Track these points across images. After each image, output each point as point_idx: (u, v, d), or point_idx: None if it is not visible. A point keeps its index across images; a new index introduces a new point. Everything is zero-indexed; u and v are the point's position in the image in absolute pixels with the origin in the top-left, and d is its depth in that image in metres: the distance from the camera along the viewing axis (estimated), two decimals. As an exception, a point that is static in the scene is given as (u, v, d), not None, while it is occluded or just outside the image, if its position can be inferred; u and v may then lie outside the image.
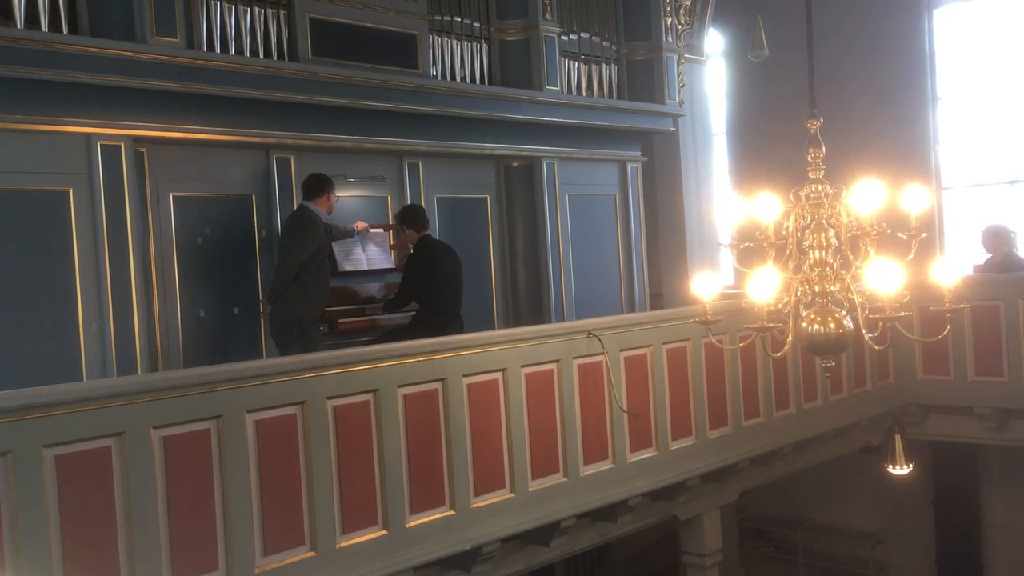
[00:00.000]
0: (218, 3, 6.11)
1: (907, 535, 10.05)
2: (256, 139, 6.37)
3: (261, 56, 6.30)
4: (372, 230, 7.08)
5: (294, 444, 4.22)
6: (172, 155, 6.06)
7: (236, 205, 6.42)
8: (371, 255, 7.02)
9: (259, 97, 6.17)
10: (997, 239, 7.94)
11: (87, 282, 5.48)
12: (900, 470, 7.49)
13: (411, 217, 6.70)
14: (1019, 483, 9.26)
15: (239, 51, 6.20)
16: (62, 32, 5.40)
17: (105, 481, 3.64)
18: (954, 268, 3.78)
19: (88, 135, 5.52)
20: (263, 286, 6.45)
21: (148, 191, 5.95)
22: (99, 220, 5.53)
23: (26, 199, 5.32)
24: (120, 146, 5.65)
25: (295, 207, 6.43)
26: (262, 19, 6.34)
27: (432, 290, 6.54)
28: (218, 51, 6.07)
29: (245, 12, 6.25)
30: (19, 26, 5.20)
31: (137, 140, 5.78)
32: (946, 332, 4.03)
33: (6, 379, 4.87)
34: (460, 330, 6.50)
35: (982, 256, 8.12)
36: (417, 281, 6.56)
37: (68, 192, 5.46)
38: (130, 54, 5.54)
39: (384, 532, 4.49)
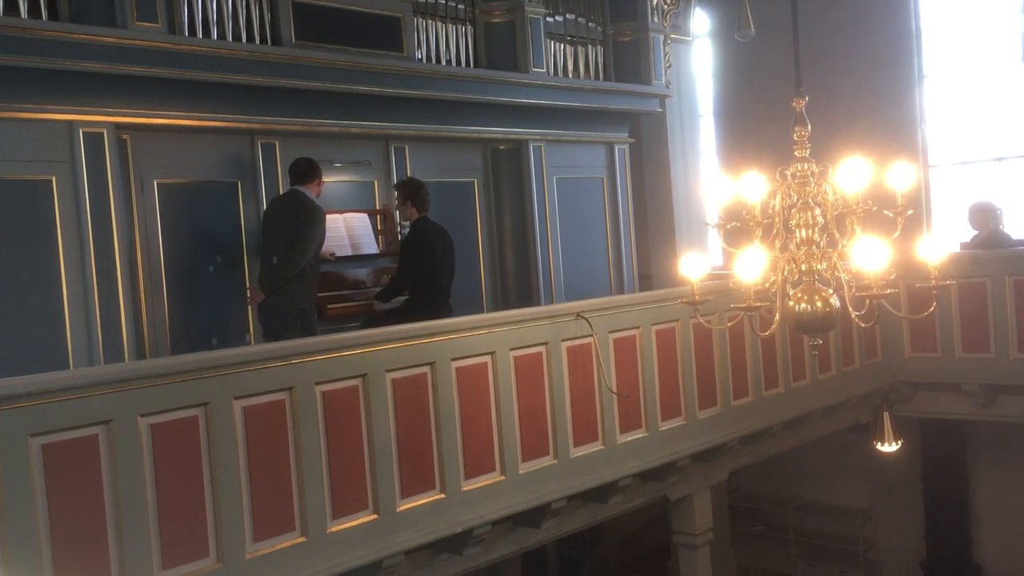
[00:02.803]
0: (199, -13, 6.06)
1: (896, 512, 10.14)
2: (241, 125, 6.33)
3: (244, 41, 6.25)
4: (357, 214, 7.05)
5: (283, 430, 4.21)
6: (156, 142, 6.02)
7: (221, 191, 6.38)
8: (356, 240, 6.98)
9: (243, 82, 6.13)
10: (984, 216, 7.96)
11: (72, 270, 5.44)
12: (889, 447, 7.53)
13: (416, 194, 6.56)
14: (1007, 459, 9.33)
15: (222, 36, 6.15)
16: (42, 19, 5.35)
17: (93, 470, 3.63)
18: (940, 245, 3.79)
19: (70, 122, 5.48)
20: (250, 273, 6.41)
21: (132, 178, 5.91)
22: (83, 208, 5.49)
23: (8, 188, 5.28)
24: (103, 133, 5.61)
25: (282, 192, 6.39)
26: (244, 3, 6.29)
27: (429, 276, 6.47)
28: (200, 36, 6.02)
29: (227, -4, 6.19)
30: (-2, 13, 5.15)
31: (120, 127, 5.74)
32: (932, 309, 4.04)
33: (-8, 369, 4.84)
34: (449, 315, 6.48)
35: (969, 233, 8.14)
36: (414, 266, 6.48)
37: (51, 180, 5.42)
38: (111, 40, 5.49)
39: (375, 516, 4.50)
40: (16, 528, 3.41)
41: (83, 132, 5.52)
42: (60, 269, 5.41)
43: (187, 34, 5.96)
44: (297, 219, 6.01)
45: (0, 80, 5.15)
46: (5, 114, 5.24)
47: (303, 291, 6.01)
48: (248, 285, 6.35)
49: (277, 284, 5.94)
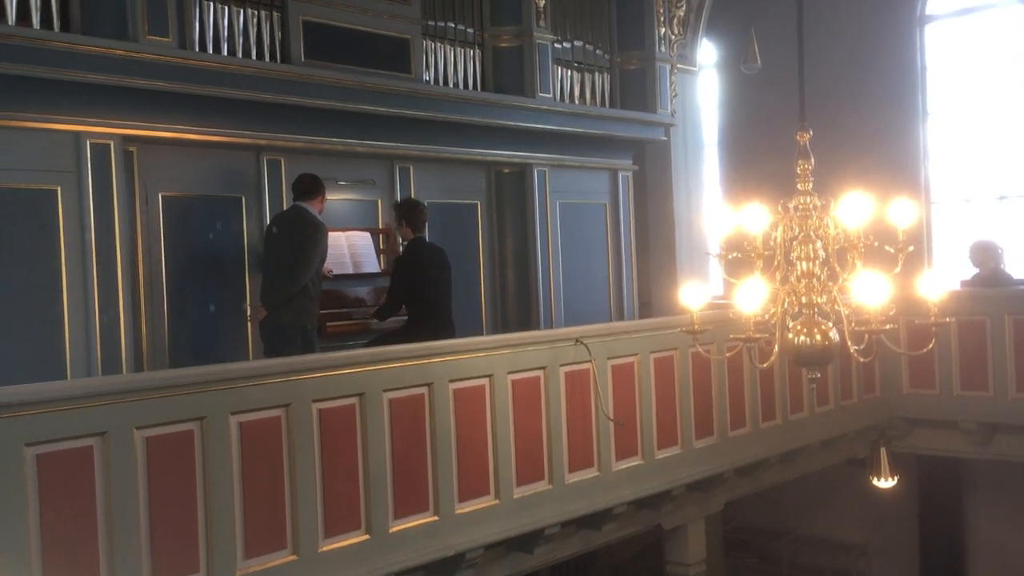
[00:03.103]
0: (211, 3, 6.11)
1: (892, 548, 10.07)
2: (247, 140, 6.36)
3: (253, 57, 6.29)
4: (358, 233, 7.07)
5: (278, 447, 4.20)
6: (162, 154, 6.04)
7: (225, 206, 6.40)
8: (357, 258, 6.99)
9: (251, 98, 6.16)
10: (984, 254, 7.97)
11: (73, 280, 5.45)
12: (885, 483, 7.50)
13: (412, 214, 6.60)
14: (1003, 498, 9.29)
15: (231, 52, 6.19)
16: (54, 30, 5.39)
17: (87, 481, 3.62)
18: (940, 282, 3.80)
19: (77, 133, 5.50)
20: (251, 288, 6.41)
21: (137, 190, 5.92)
22: (87, 219, 5.51)
23: (14, 196, 5.30)
24: (110, 145, 5.63)
25: (285, 208, 6.39)
26: (255, 20, 6.34)
27: (420, 297, 6.49)
28: (210, 51, 6.06)
29: (238, 13, 6.24)
30: (10, 23, 5.18)
31: (127, 139, 5.76)
32: (931, 346, 4.04)
33: (-11, 377, 4.84)
34: (452, 335, 6.49)
35: (970, 271, 8.15)
36: (404, 287, 6.50)
37: (56, 190, 5.43)
38: (122, 53, 5.52)
39: (367, 537, 4.48)
40: (8, 537, 3.40)
41: (90, 143, 5.54)
42: (62, 278, 5.42)
43: (197, 49, 6.00)
44: (300, 235, 6.01)
45: (9, 89, 5.18)
46: (13, 123, 5.27)
47: (306, 308, 6.01)
48: (248, 301, 6.34)
49: (280, 300, 5.93)
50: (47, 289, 5.38)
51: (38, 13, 5.32)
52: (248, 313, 6.32)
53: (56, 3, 5.42)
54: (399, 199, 7.07)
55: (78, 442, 3.60)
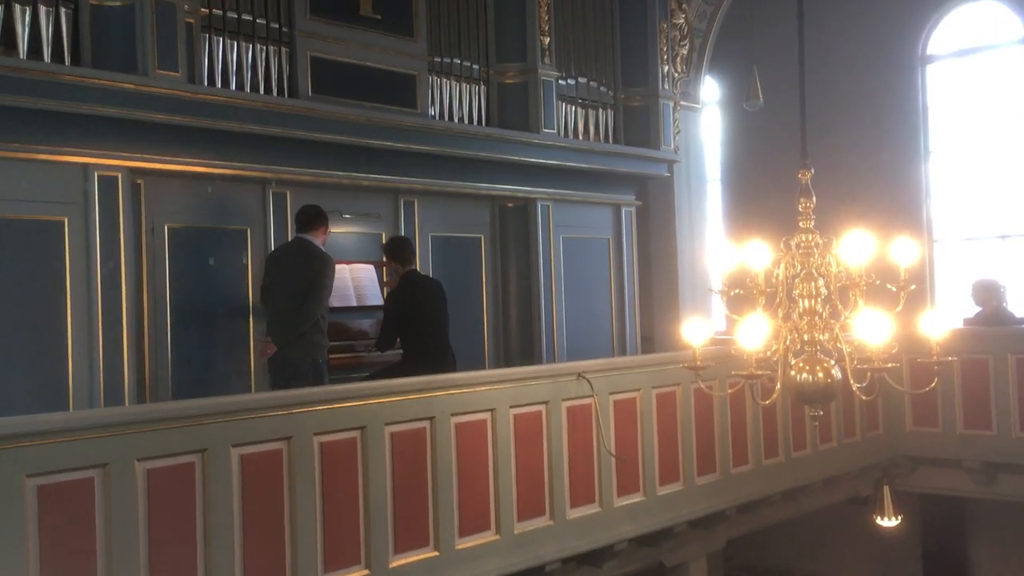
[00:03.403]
0: (220, 39, 6.19)
1: (895, 588, 9.97)
2: (253, 173, 6.41)
3: (261, 92, 6.36)
4: (363, 265, 7.09)
5: (279, 480, 4.19)
6: (169, 187, 6.09)
7: (231, 238, 6.43)
8: (360, 291, 7.01)
9: (258, 132, 6.22)
10: (987, 293, 7.98)
11: (78, 310, 5.46)
12: (888, 522, 7.45)
13: (398, 249, 6.66)
14: (1006, 537, 9.21)
15: (240, 86, 6.26)
16: (64, 63, 5.45)
17: (87, 513, 3.61)
18: (943, 321, 3.81)
19: (85, 165, 5.55)
20: (255, 321, 6.40)
21: (143, 222, 5.95)
22: (93, 250, 5.53)
23: (22, 227, 5.33)
24: (117, 177, 5.68)
25: (290, 239, 6.38)
26: (263, 56, 6.42)
27: (412, 330, 6.48)
28: (219, 86, 6.13)
29: (247, 48, 6.32)
30: (22, 56, 5.25)
31: (134, 171, 5.81)
32: (934, 384, 4.04)
33: (-8, 407, 4.84)
34: (452, 365, 6.48)
35: (972, 309, 8.16)
36: (396, 318, 6.50)
37: (63, 221, 5.47)
38: (131, 86, 5.59)
39: (367, 572, 4.45)
40: (8, 568, 3.38)
41: (98, 175, 5.59)
42: (66, 309, 5.43)
43: (206, 83, 6.07)
44: (309, 270, 5.94)
45: (19, 121, 5.24)
46: (22, 155, 5.32)
47: (318, 341, 5.95)
48: (252, 335, 6.27)
49: (292, 336, 5.84)
50: (51, 319, 5.40)
51: (49, 47, 5.39)
52: (256, 349, 6.20)
53: (67, 37, 5.48)
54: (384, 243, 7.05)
55: (79, 473, 3.60)
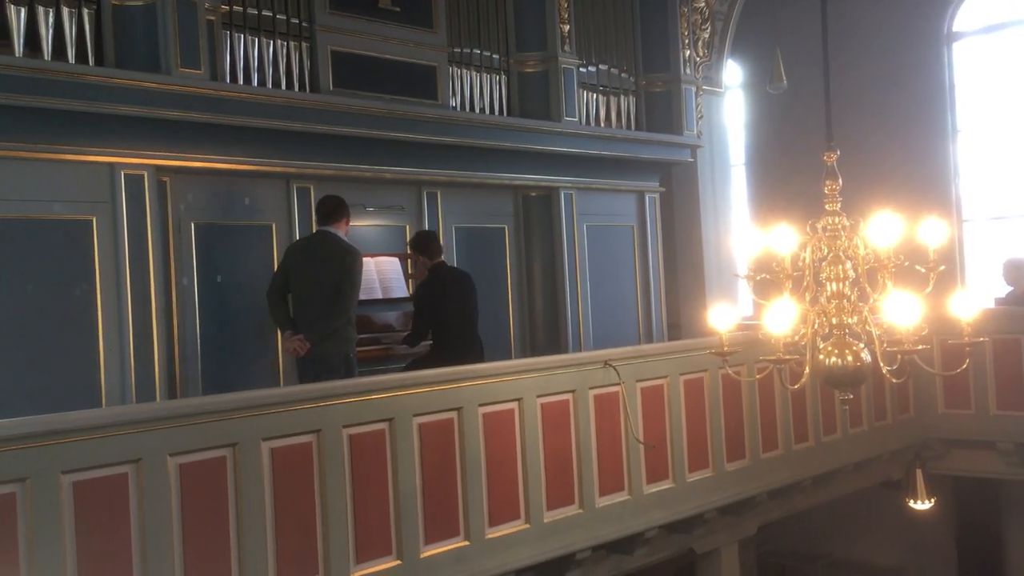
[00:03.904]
0: (241, 35, 6.21)
1: (928, 571, 9.88)
2: (277, 169, 6.44)
3: (283, 88, 6.39)
4: (388, 258, 7.11)
5: (309, 472, 4.23)
6: (194, 184, 6.13)
7: (257, 234, 6.47)
8: (386, 283, 7.03)
9: (281, 128, 6.25)
10: (1018, 272, 7.87)
11: (108, 309, 5.53)
12: (921, 505, 7.39)
13: (424, 244, 6.66)
14: (1043, 520, 9.12)
15: (262, 83, 6.29)
16: (88, 64, 5.50)
17: (121, 508, 3.66)
18: (973, 301, 3.76)
19: (112, 164, 5.60)
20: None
21: (170, 220, 6.00)
22: (121, 248, 5.59)
23: (51, 227, 5.39)
24: (143, 175, 5.72)
25: (314, 232, 6.33)
26: (284, 51, 6.44)
27: (442, 322, 6.49)
28: (241, 83, 6.16)
29: (268, 44, 6.34)
30: (47, 57, 5.30)
31: (160, 169, 5.85)
32: (965, 366, 3.99)
33: (26, 405, 4.91)
34: (480, 353, 6.48)
35: (1003, 289, 8.05)
36: (426, 311, 6.51)
37: (91, 221, 5.52)
38: (155, 85, 5.62)
39: (398, 562, 4.48)
40: (45, 564, 3.44)
41: (124, 174, 5.63)
42: (97, 307, 5.49)
43: (228, 80, 6.10)
44: (341, 264, 5.84)
45: (45, 122, 5.29)
46: (50, 155, 5.37)
47: (350, 335, 5.90)
48: (279, 332, 6.20)
49: (326, 331, 5.78)
50: (82, 317, 5.46)
51: (73, 48, 5.44)
52: (284, 347, 6.13)
53: (91, 38, 5.53)
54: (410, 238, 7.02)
55: (113, 469, 3.65)
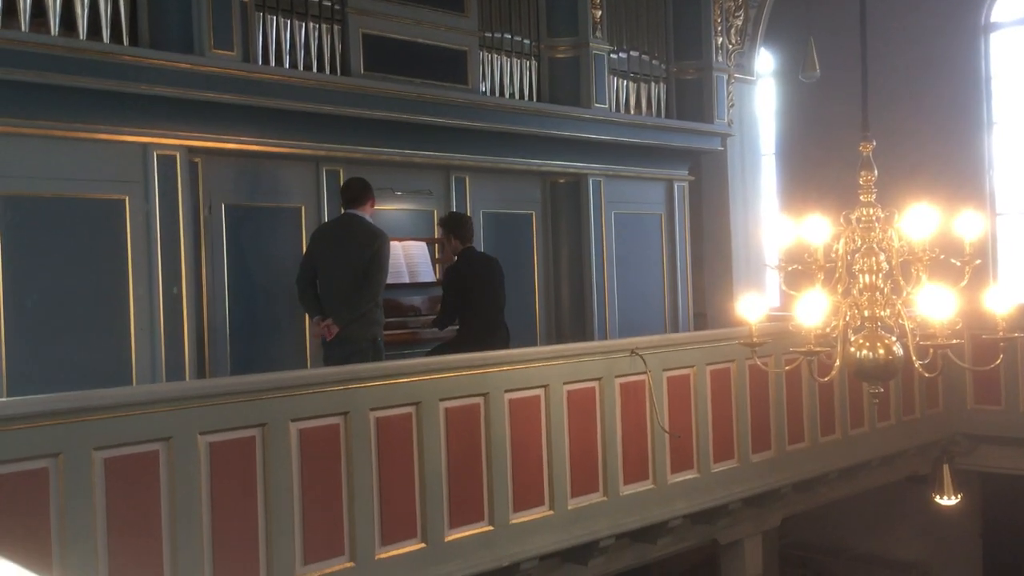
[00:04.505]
0: (274, 18, 6.22)
1: (954, 568, 9.81)
2: (307, 151, 6.45)
3: (315, 70, 6.39)
4: (415, 243, 7.12)
5: (336, 454, 4.26)
6: (226, 165, 6.16)
7: (286, 216, 6.49)
8: (414, 267, 7.04)
9: (311, 110, 6.26)
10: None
11: (139, 287, 5.57)
12: (948, 501, 7.34)
13: (459, 226, 6.61)
14: (1071, 518, 9.01)
15: (293, 65, 6.30)
16: (123, 44, 5.53)
17: (152, 484, 3.71)
18: (1008, 296, 3.72)
19: (145, 144, 5.63)
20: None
21: (201, 200, 6.04)
22: (153, 228, 5.63)
23: (83, 206, 5.44)
24: (175, 156, 5.76)
25: (341, 215, 6.31)
26: (316, 34, 6.44)
27: (469, 306, 6.49)
28: (273, 65, 6.18)
29: (300, 27, 6.35)
30: (82, 37, 5.34)
31: (192, 150, 5.88)
32: (999, 362, 3.95)
33: (59, 381, 4.98)
34: (506, 340, 6.48)
35: (1037, 284, 7.95)
36: (456, 296, 6.51)
37: (124, 200, 5.57)
38: (188, 66, 5.65)
39: (423, 545, 4.50)
40: (76, 537, 3.49)
41: (157, 154, 5.67)
42: (128, 286, 5.54)
43: (260, 62, 6.11)
44: (370, 248, 5.82)
45: (80, 101, 5.33)
46: (84, 135, 5.41)
47: (378, 318, 5.89)
48: (324, 321, 6.16)
49: (355, 315, 5.76)
50: (114, 296, 5.51)
51: (108, 28, 5.47)
52: (312, 331, 6.12)
53: (125, 18, 5.56)
54: (443, 215, 7.02)
55: (144, 447, 3.69)
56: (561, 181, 8.22)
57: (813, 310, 3.70)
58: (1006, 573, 9.25)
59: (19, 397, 3.66)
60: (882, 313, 3.83)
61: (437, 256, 7.30)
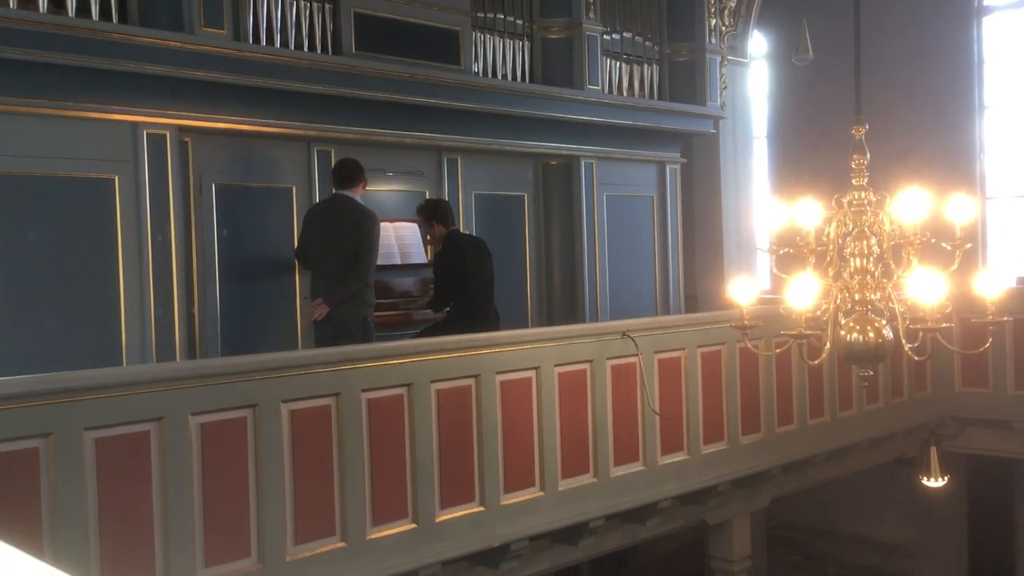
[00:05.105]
0: (265, -4, 6.17)
1: (939, 549, 9.90)
2: (298, 131, 6.42)
3: (306, 49, 6.35)
4: (407, 224, 7.10)
5: (328, 435, 4.26)
6: (216, 145, 6.12)
7: (277, 196, 6.47)
8: (405, 249, 7.03)
9: (303, 90, 6.22)
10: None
11: (129, 268, 5.55)
12: (934, 483, 7.39)
13: (439, 212, 6.59)
14: (1056, 500, 9.10)
15: (284, 44, 6.25)
16: (112, 21, 5.48)
17: (143, 465, 3.70)
18: (997, 280, 3.74)
19: (135, 123, 5.60)
20: (301, 279, 6.45)
21: (191, 180, 6.00)
22: (143, 207, 5.60)
23: (73, 185, 5.41)
24: (166, 135, 5.72)
25: (333, 194, 6.33)
26: (308, 13, 6.40)
27: (462, 288, 6.50)
28: (264, 44, 6.13)
29: (291, 5, 6.30)
30: (70, 15, 5.29)
31: (182, 129, 5.85)
32: (988, 345, 3.97)
33: (49, 362, 4.96)
34: (496, 323, 6.49)
35: (1026, 268, 7.99)
36: (449, 278, 6.52)
37: (113, 179, 5.54)
38: (178, 44, 5.61)
39: (414, 525, 4.52)
40: (67, 519, 3.49)
41: (147, 133, 5.63)
42: (118, 266, 5.52)
43: (251, 41, 6.06)
44: (359, 229, 5.87)
45: (69, 80, 5.29)
46: (72, 113, 5.37)
47: (369, 299, 5.93)
48: (300, 293, 6.26)
49: (345, 296, 5.81)
50: (104, 276, 5.49)
51: (97, 5, 5.42)
52: (304, 311, 6.17)
53: (114, -5, 5.51)
54: (419, 204, 6.89)
55: (135, 427, 3.69)
56: (553, 163, 8.21)
57: (804, 293, 3.72)
58: (991, 554, 9.35)
59: (9, 377, 3.63)
60: (872, 296, 3.84)
61: (428, 237, 7.28)
